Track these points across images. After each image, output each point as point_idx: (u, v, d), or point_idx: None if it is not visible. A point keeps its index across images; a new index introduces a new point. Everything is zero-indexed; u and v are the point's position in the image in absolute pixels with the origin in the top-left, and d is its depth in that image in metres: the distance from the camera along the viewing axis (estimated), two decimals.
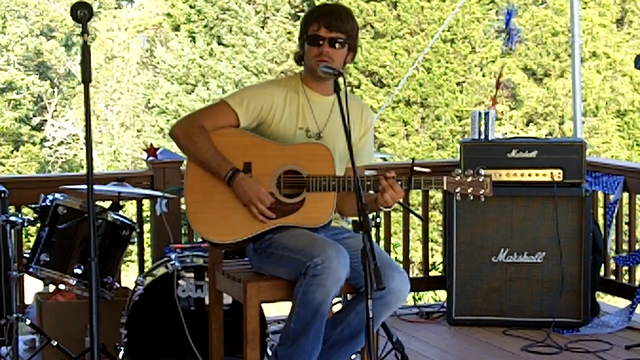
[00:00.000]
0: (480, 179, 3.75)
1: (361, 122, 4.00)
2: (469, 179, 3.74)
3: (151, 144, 5.76)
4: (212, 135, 3.82)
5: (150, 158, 5.58)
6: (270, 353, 4.54)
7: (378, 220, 4.94)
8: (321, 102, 3.94)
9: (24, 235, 5.77)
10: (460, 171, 3.75)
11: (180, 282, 4.51)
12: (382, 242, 5.99)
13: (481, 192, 3.75)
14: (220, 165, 3.79)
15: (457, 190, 3.74)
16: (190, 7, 24.34)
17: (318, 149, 3.83)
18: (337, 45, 3.83)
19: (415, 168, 3.76)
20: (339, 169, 3.84)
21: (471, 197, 3.76)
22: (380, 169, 5.57)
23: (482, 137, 5.65)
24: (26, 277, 4.81)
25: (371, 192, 3.75)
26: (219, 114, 3.87)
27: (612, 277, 6.03)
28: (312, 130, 3.92)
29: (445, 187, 3.74)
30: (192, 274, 4.54)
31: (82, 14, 3.18)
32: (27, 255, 4.58)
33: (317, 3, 22.65)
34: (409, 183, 3.73)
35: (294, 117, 3.90)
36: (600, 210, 6.35)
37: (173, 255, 4.64)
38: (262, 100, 3.88)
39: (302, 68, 3.98)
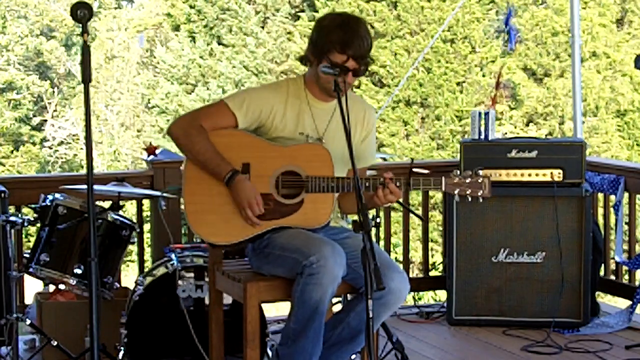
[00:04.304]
0: (479, 180, 3.74)
1: (363, 124, 3.98)
2: (467, 180, 3.74)
3: (150, 143, 5.75)
4: (211, 135, 3.81)
5: (151, 157, 5.58)
6: (270, 353, 4.54)
7: (378, 220, 4.94)
8: (322, 107, 3.91)
9: (24, 235, 5.76)
10: (458, 172, 3.74)
11: (180, 282, 4.51)
12: (382, 242, 5.99)
13: (479, 194, 3.75)
14: (219, 166, 3.78)
15: (455, 192, 3.73)
16: (190, 7, 24.35)
17: (317, 149, 3.82)
18: (359, 73, 3.80)
19: (414, 169, 3.76)
20: (339, 171, 3.83)
21: (469, 199, 3.75)
22: (379, 168, 5.57)
23: (482, 137, 5.65)
24: (26, 277, 4.81)
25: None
26: (218, 114, 3.85)
27: (612, 277, 6.03)
28: (312, 136, 3.89)
29: (443, 188, 3.73)
30: (192, 274, 4.53)
31: (82, 14, 3.18)
32: (27, 255, 4.57)
33: (318, 3, 22.66)
34: (407, 184, 3.73)
35: (294, 123, 3.88)
36: (601, 210, 6.35)
37: (173, 255, 4.64)
38: (261, 105, 3.85)
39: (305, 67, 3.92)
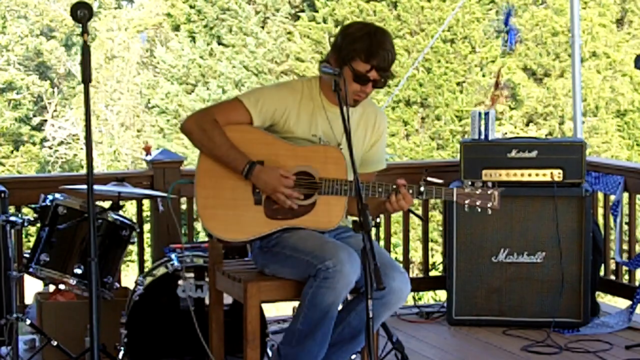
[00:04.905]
0: (489, 192, 3.76)
1: (374, 129, 3.98)
2: (477, 192, 3.75)
3: (146, 142, 5.75)
4: (225, 130, 3.79)
5: (148, 156, 5.58)
6: (270, 353, 4.54)
7: (378, 220, 4.94)
8: (337, 112, 3.80)
9: (24, 235, 5.77)
10: (470, 183, 3.76)
11: (180, 282, 4.51)
12: (382, 242, 5.99)
13: (489, 205, 3.78)
14: (236, 160, 3.75)
15: (466, 202, 3.76)
16: (190, 7, 24.35)
17: (332, 152, 3.81)
18: (379, 85, 3.79)
19: (427, 178, 3.77)
20: (352, 175, 3.81)
21: (479, 210, 3.78)
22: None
23: (482, 137, 5.65)
24: (26, 277, 4.81)
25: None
26: (232, 111, 3.83)
27: (612, 277, 6.03)
28: (325, 139, 3.88)
29: (455, 198, 3.75)
30: (192, 274, 4.53)
31: (82, 14, 3.18)
32: (27, 255, 4.58)
33: (318, 3, 22.63)
34: (419, 192, 3.73)
35: (307, 124, 3.86)
36: (601, 210, 6.35)
37: (173, 255, 4.64)
38: (275, 104, 3.84)
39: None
